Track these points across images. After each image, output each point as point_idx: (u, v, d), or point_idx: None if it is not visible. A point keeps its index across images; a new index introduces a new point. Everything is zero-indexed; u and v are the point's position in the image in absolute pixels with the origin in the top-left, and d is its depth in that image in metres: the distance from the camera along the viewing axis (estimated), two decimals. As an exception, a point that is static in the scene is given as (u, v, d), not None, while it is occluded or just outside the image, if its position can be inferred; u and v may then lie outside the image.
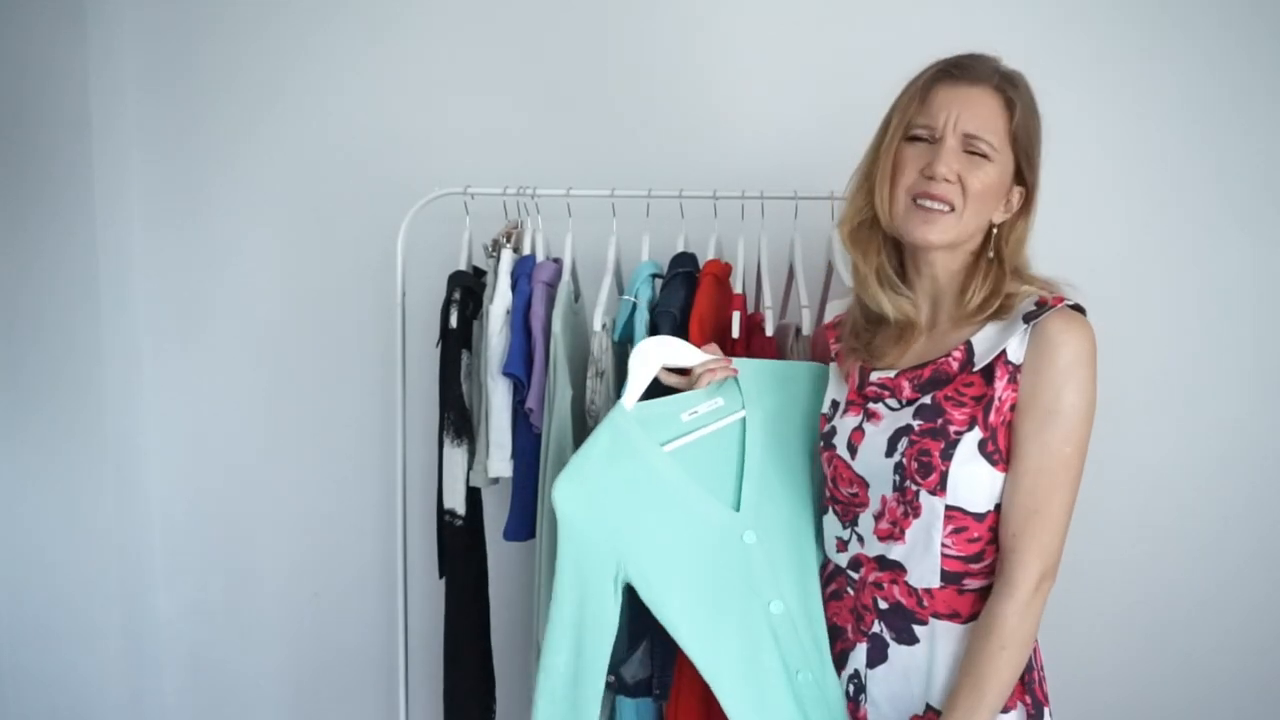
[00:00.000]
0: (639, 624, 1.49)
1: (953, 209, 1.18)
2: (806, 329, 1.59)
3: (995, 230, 1.23)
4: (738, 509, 1.35)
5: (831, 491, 1.33)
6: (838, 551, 1.33)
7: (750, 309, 1.66)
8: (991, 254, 1.23)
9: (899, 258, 1.30)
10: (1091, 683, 1.93)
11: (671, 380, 1.38)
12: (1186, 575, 1.92)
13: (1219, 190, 1.84)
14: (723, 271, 1.65)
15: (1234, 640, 1.92)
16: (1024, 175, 1.22)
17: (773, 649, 1.32)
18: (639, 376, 1.34)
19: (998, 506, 1.19)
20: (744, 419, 1.37)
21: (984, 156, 1.17)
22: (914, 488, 1.20)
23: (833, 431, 1.32)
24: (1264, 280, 1.85)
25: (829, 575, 1.36)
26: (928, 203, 1.18)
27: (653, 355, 1.36)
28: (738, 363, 1.40)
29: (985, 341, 1.20)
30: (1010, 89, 1.18)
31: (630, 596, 1.34)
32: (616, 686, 1.57)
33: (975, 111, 1.17)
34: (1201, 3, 1.82)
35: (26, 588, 2.17)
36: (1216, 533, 1.90)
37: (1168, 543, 1.92)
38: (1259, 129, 1.83)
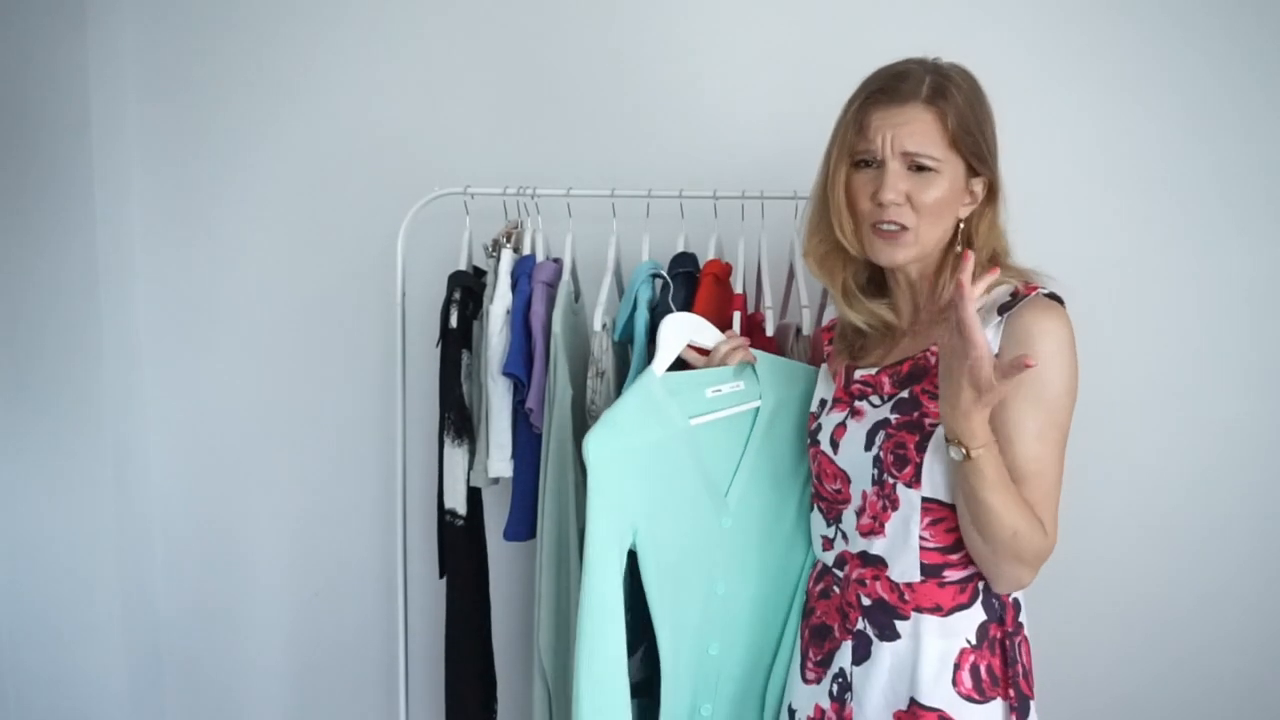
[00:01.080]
0: (638, 626, 1.49)
1: (907, 228, 1.20)
2: (806, 329, 1.59)
3: (962, 224, 1.24)
4: (726, 495, 1.37)
5: (817, 488, 1.35)
6: (824, 550, 1.35)
7: (750, 309, 1.67)
8: (960, 248, 1.24)
9: (874, 268, 1.32)
10: (1085, 681, 1.93)
11: (690, 357, 1.40)
12: (1182, 574, 1.92)
13: (1216, 190, 1.84)
14: (723, 271, 1.65)
15: (1230, 640, 1.92)
16: (978, 170, 1.22)
17: (700, 624, 1.36)
18: (669, 346, 1.34)
19: None
20: (757, 409, 1.40)
21: (929, 170, 1.19)
22: (891, 480, 1.22)
23: (818, 428, 1.34)
24: (1260, 279, 1.85)
25: (818, 574, 1.38)
26: (884, 227, 1.21)
27: (683, 328, 1.37)
28: (754, 353, 1.42)
29: None
30: (940, 100, 1.18)
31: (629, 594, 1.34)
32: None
33: (910, 130, 1.18)
34: (1198, 4, 1.82)
35: (26, 587, 2.17)
36: (1212, 532, 1.90)
37: (1163, 542, 1.91)
38: (1257, 129, 1.83)
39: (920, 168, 1.19)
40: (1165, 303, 1.88)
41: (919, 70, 1.21)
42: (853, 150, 1.23)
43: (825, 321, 1.47)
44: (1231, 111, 1.83)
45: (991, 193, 1.24)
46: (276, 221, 2.13)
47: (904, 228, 1.20)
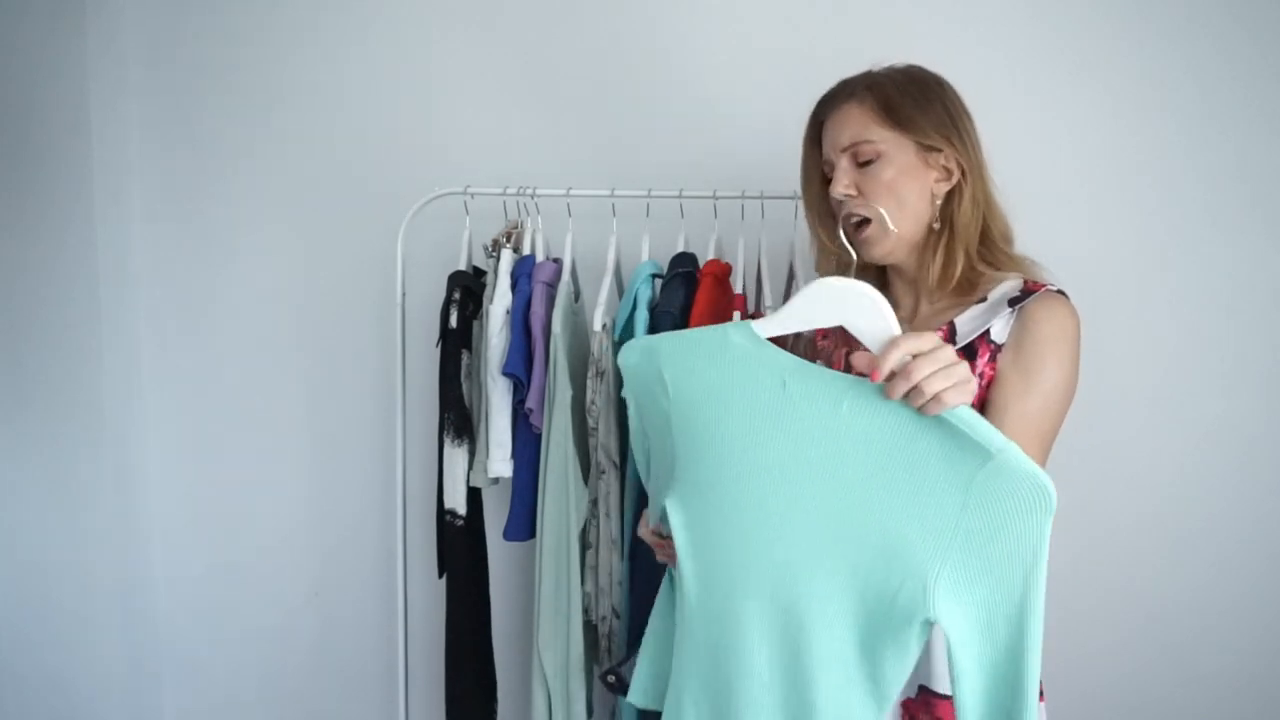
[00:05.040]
0: (639, 628, 1.49)
1: (869, 219, 1.23)
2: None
3: (939, 202, 1.23)
4: None
5: None
6: None
7: (750, 309, 1.67)
8: (937, 224, 1.23)
9: (873, 265, 1.32)
10: (1074, 674, 1.93)
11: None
12: (1168, 572, 1.91)
13: (1200, 193, 1.84)
14: (723, 271, 1.65)
15: (1216, 636, 1.92)
16: (934, 145, 1.21)
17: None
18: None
19: None
20: None
21: (873, 159, 1.22)
22: None
23: None
24: (1243, 281, 1.85)
25: None
26: (850, 222, 1.24)
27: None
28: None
29: (968, 322, 1.21)
30: (865, 91, 1.22)
31: (632, 600, 1.31)
32: (617, 687, 1.57)
33: (842, 126, 1.23)
34: (1183, 11, 1.82)
35: (26, 588, 2.17)
36: (1198, 530, 1.89)
37: (1151, 539, 1.91)
38: (1241, 133, 1.82)
39: (865, 161, 1.22)
40: (1151, 304, 1.87)
41: (857, 77, 1.26)
42: (817, 166, 1.30)
43: None
44: (1216, 116, 1.82)
45: (968, 166, 1.22)
46: (276, 221, 2.13)
47: (866, 220, 1.23)
